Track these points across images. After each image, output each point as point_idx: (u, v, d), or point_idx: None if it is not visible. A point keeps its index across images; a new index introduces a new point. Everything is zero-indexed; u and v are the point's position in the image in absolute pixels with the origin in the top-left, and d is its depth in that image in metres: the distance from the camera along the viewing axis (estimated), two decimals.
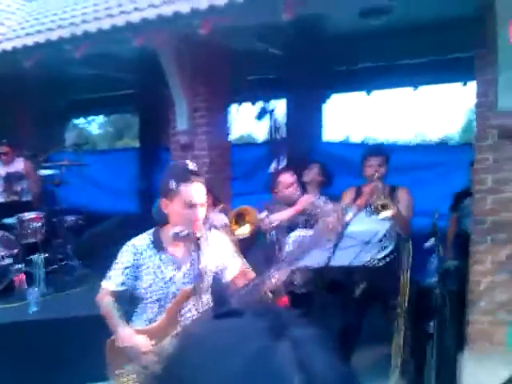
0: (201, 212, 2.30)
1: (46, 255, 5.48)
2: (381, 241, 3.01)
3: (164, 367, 0.66)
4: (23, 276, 5.33)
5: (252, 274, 2.51)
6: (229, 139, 5.90)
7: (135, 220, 6.37)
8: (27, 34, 5.80)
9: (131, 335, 2.26)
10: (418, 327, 3.21)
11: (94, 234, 6.43)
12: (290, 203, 3.99)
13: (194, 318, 2.31)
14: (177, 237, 2.29)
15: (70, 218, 6.09)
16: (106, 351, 2.34)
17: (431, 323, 2.88)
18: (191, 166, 2.33)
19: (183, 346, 0.66)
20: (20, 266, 5.33)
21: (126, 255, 2.34)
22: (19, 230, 5.56)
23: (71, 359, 4.02)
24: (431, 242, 2.91)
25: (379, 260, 2.99)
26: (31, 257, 5.38)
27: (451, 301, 3.55)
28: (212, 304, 2.32)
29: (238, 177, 5.93)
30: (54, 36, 5.31)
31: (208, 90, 5.42)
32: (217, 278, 2.36)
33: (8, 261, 5.28)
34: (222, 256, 2.43)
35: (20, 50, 5.64)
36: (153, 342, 2.23)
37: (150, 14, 4.65)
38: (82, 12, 5.51)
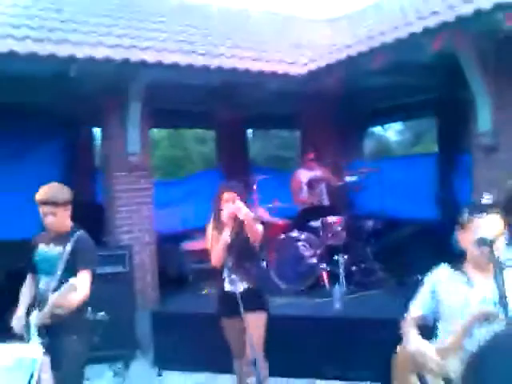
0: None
1: (347, 257, 5.84)
2: None
3: None
4: (327, 274, 5.79)
5: None
6: None
7: (434, 228, 6.18)
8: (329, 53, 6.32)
9: (424, 344, 2.34)
10: None
11: (393, 239, 6.52)
12: None
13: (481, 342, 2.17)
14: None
15: (369, 223, 6.31)
16: (395, 356, 2.51)
17: None
18: (487, 198, 2.31)
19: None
20: (324, 265, 5.82)
21: (426, 285, 2.49)
22: (323, 232, 6.06)
23: (360, 356, 4.36)
24: None
25: None
26: (334, 257, 5.82)
27: None
28: None
29: None
30: (352, 51, 5.64)
31: None
32: None
33: (313, 260, 5.81)
34: None
35: (323, 69, 6.18)
36: (438, 359, 2.26)
37: (449, 16, 4.52)
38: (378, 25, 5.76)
